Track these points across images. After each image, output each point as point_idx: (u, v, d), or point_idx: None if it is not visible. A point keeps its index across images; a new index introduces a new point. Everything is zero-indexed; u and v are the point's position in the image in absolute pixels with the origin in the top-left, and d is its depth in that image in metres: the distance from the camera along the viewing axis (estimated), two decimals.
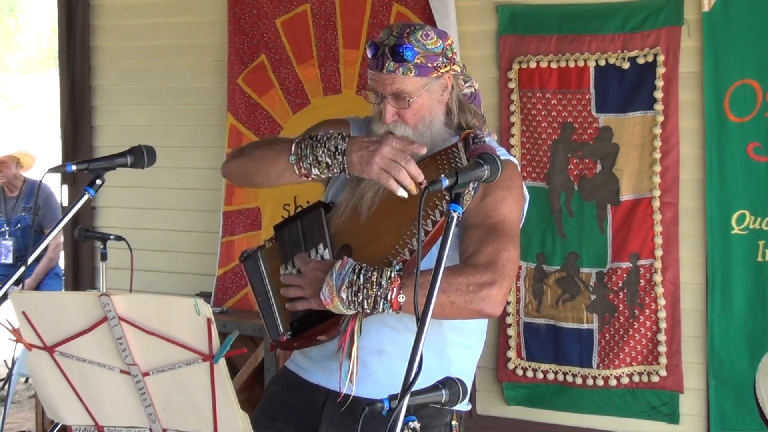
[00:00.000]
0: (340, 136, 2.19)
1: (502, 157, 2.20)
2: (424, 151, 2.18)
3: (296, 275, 2.15)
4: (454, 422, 2.22)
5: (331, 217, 2.26)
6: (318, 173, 2.20)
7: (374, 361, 2.20)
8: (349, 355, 2.13)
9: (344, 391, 2.16)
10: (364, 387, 2.19)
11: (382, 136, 2.19)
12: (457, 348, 2.25)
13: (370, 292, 2.01)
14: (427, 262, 2.08)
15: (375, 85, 2.23)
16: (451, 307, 2.03)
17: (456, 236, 2.15)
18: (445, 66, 2.24)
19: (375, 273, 2.03)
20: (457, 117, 2.30)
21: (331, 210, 2.27)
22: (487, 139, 2.27)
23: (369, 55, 2.24)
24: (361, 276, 2.02)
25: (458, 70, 2.29)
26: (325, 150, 2.18)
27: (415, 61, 2.18)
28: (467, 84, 2.34)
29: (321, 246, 2.20)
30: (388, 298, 2.01)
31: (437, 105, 2.26)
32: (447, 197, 2.02)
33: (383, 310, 2.02)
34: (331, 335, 2.15)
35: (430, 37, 2.22)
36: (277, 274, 2.24)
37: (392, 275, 2.02)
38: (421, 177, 2.12)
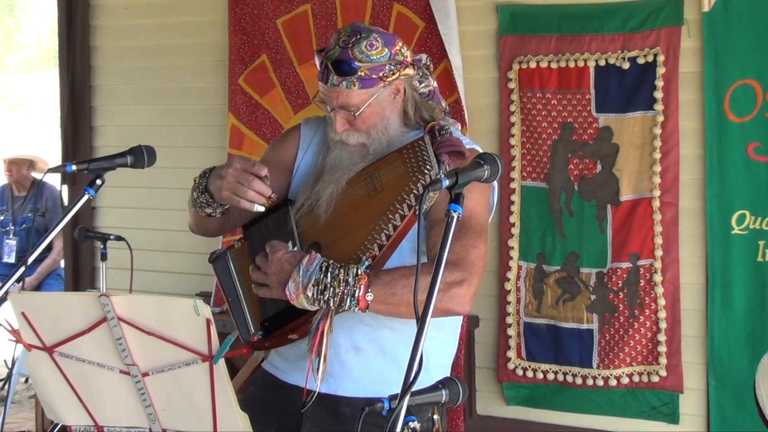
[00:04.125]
0: (203, 175, 2.28)
1: (469, 145, 2.21)
2: (264, 171, 2.20)
3: (264, 260, 2.12)
4: (435, 416, 2.22)
5: (301, 213, 2.26)
6: (211, 211, 2.30)
7: (351, 359, 2.19)
8: (319, 353, 2.11)
9: (312, 388, 2.14)
10: (342, 385, 2.19)
11: (229, 161, 2.23)
12: (433, 342, 2.23)
13: (336, 290, 1.99)
14: (397, 257, 2.10)
15: (323, 96, 2.24)
16: (419, 306, 2.03)
17: (422, 236, 2.14)
18: (393, 74, 2.21)
19: (342, 270, 2.00)
20: (414, 117, 2.29)
21: (300, 208, 2.27)
22: (451, 129, 2.26)
23: (316, 63, 2.24)
24: (329, 274, 2.00)
25: (411, 73, 2.26)
26: (198, 193, 2.28)
27: (359, 74, 2.17)
28: (423, 84, 2.31)
29: (290, 244, 2.18)
30: (356, 295, 1.99)
31: (389, 110, 2.25)
32: (414, 191, 2.06)
33: (350, 308, 2.00)
34: (302, 334, 2.13)
35: (374, 47, 2.18)
36: (247, 273, 2.21)
37: (359, 272, 2.00)
38: (268, 192, 2.18)
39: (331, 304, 2.01)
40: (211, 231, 2.45)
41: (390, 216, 2.09)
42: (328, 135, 2.30)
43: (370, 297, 1.99)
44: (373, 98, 2.19)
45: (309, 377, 2.12)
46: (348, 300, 1.99)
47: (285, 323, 2.13)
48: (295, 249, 2.15)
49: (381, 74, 2.19)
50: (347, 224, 2.15)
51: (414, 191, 2.08)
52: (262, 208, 2.22)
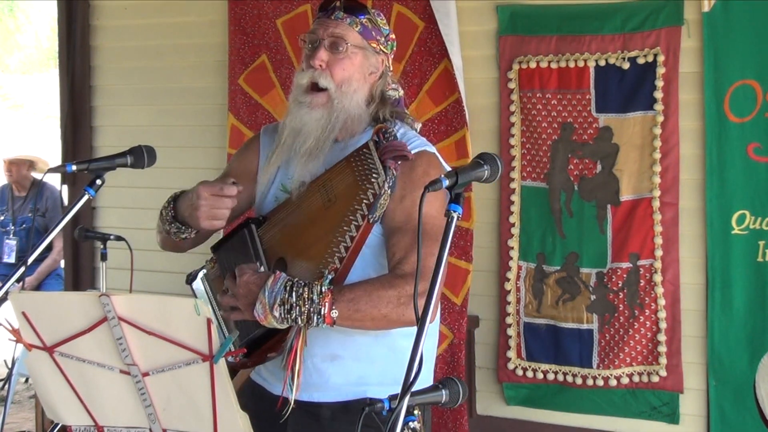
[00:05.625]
0: (167, 206, 2.34)
1: (417, 149, 2.20)
2: (233, 190, 2.25)
3: (232, 283, 2.15)
4: (416, 411, 2.22)
5: (265, 229, 2.28)
6: (186, 236, 2.35)
7: (328, 367, 2.22)
8: (293, 370, 2.14)
9: (287, 396, 2.18)
10: (323, 393, 2.22)
11: (195, 189, 2.26)
12: (411, 339, 2.25)
13: (302, 309, 2.02)
14: (360, 265, 2.12)
15: (316, 27, 2.27)
16: (384, 320, 2.05)
17: (381, 242, 2.17)
18: (384, 49, 2.30)
19: (306, 288, 2.03)
20: (377, 107, 2.30)
21: (263, 224, 2.30)
22: (399, 132, 2.25)
23: (319, 9, 2.29)
24: (293, 293, 2.03)
25: (390, 66, 2.34)
26: (168, 224, 2.35)
27: (363, 21, 2.25)
28: (393, 85, 2.35)
29: (257, 263, 2.21)
30: (321, 313, 2.02)
31: (364, 80, 2.28)
32: (365, 201, 2.09)
33: (317, 325, 2.04)
34: (280, 350, 2.17)
35: (380, 17, 2.31)
36: (222, 295, 2.24)
37: (323, 290, 2.03)
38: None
39: (299, 322, 2.04)
40: (184, 249, 2.49)
41: (345, 228, 2.11)
42: (292, 96, 2.32)
43: (335, 314, 2.03)
44: (363, 51, 2.26)
45: (285, 390, 2.17)
46: (315, 317, 2.03)
47: (263, 343, 2.18)
48: (261, 268, 2.18)
49: (378, 38, 2.28)
50: (307, 238, 2.18)
51: (365, 200, 2.11)
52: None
